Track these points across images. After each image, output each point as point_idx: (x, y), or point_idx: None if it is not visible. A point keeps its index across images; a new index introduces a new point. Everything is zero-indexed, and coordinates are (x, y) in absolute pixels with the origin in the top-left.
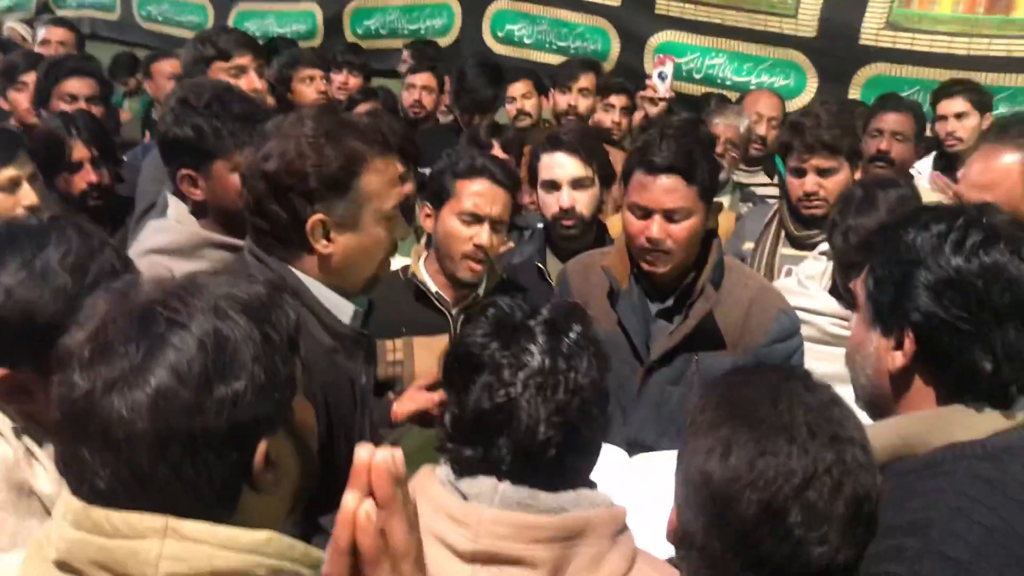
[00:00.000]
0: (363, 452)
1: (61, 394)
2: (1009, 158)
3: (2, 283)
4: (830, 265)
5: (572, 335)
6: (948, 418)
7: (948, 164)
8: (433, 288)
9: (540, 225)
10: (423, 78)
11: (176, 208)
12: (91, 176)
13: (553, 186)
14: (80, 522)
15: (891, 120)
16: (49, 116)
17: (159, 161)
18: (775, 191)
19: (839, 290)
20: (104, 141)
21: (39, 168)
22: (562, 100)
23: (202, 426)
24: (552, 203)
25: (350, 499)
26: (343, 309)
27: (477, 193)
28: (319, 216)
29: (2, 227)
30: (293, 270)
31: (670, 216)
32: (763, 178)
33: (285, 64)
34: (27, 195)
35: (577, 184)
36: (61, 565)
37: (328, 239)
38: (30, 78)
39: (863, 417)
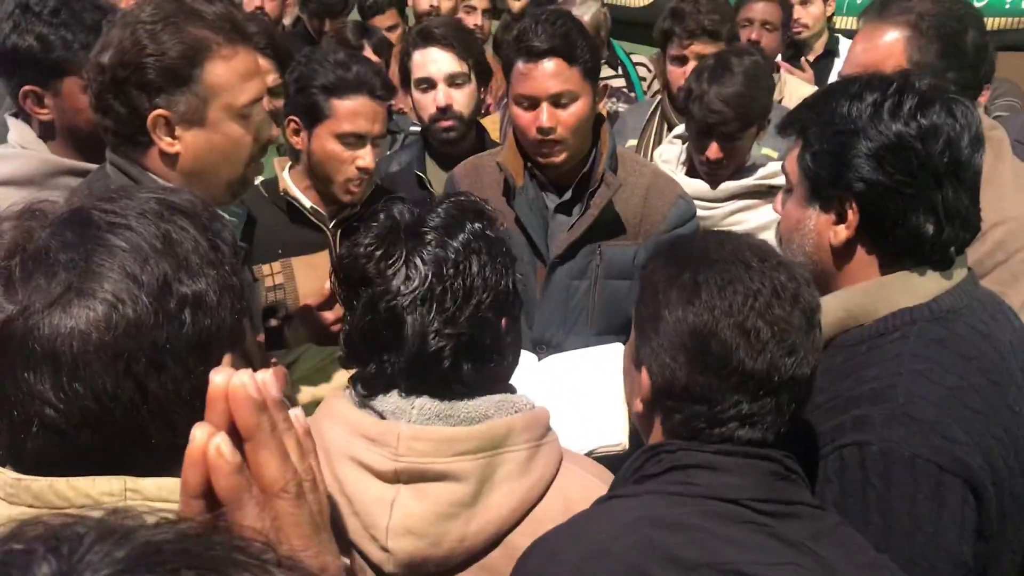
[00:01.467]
0: (219, 377)
1: None
2: (891, 35)
3: None
4: (684, 148)
5: (463, 236)
6: (891, 285)
7: (796, 52)
8: (308, 204)
9: (414, 128)
10: None
11: (19, 131)
12: None
13: (428, 84)
14: (18, 496)
15: (760, 9)
16: None
17: None
18: (623, 83)
19: (695, 170)
20: None
21: None
22: (424, 0)
23: (167, 336)
24: (428, 103)
25: (199, 433)
26: None
27: (356, 112)
28: (160, 111)
29: None
30: (153, 176)
31: (557, 101)
32: (607, 70)
33: None
34: None
35: (453, 80)
36: None
37: (173, 136)
38: None
39: None
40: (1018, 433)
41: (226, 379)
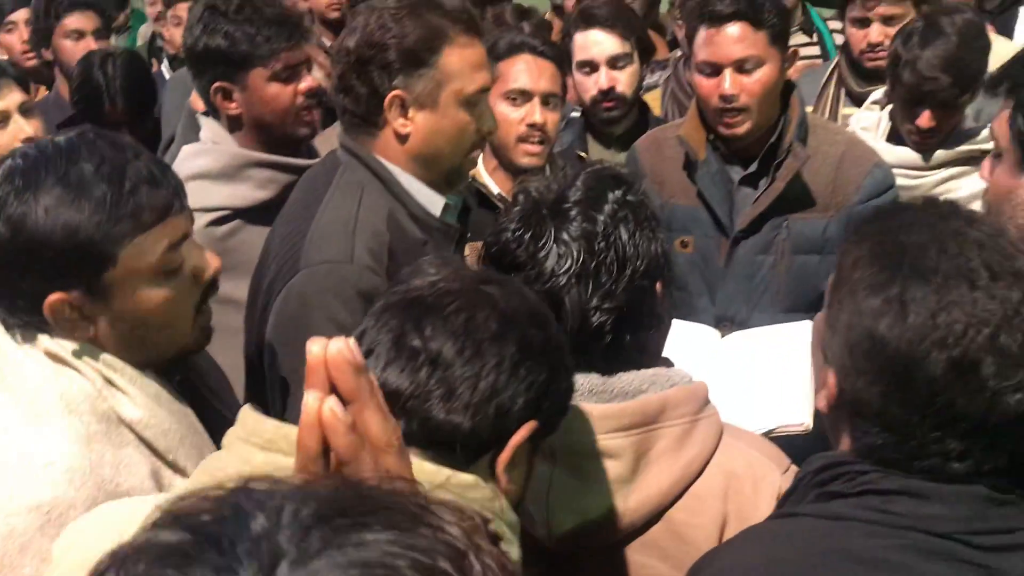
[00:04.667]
0: (315, 346)
1: None
2: None
3: (40, 203)
4: (884, 114)
5: (608, 207)
6: None
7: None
8: (495, 189)
9: (575, 114)
10: None
11: (210, 128)
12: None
13: (590, 66)
14: (274, 442)
15: None
16: (84, 71)
17: (180, 88)
18: (817, 51)
19: (900, 138)
20: (142, 96)
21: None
22: None
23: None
24: (590, 85)
25: (311, 399)
26: (433, 201)
27: (521, 70)
28: (397, 92)
29: (31, 148)
30: (383, 161)
31: (741, 67)
32: (801, 37)
33: None
34: (20, 128)
35: (616, 62)
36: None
37: (406, 117)
38: (19, 17)
39: None
40: None
41: (323, 347)
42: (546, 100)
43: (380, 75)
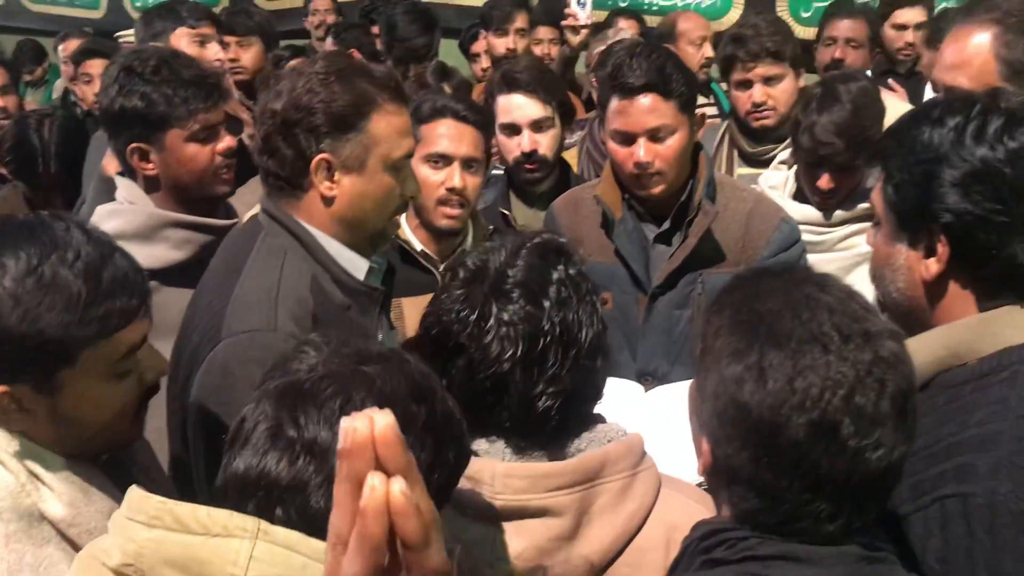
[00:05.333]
0: (359, 422)
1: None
2: (978, 34)
3: (8, 292)
4: (791, 173)
5: (552, 288)
6: (997, 321)
7: (889, 69)
8: (418, 246)
9: (496, 172)
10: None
11: (126, 188)
12: (58, 199)
13: (513, 129)
14: (159, 518)
15: (844, 27)
16: (19, 132)
17: (102, 147)
18: (715, 110)
19: (806, 196)
20: (76, 158)
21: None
22: (500, 44)
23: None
24: (513, 147)
25: (377, 481)
26: (357, 265)
27: (442, 134)
28: (324, 155)
29: None
30: (305, 225)
31: (654, 135)
32: (699, 98)
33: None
34: None
35: (538, 125)
36: (122, 570)
37: (332, 181)
38: None
39: None
40: None
41: (367, 423)
42: (467, 164)
43: (307, 138)
